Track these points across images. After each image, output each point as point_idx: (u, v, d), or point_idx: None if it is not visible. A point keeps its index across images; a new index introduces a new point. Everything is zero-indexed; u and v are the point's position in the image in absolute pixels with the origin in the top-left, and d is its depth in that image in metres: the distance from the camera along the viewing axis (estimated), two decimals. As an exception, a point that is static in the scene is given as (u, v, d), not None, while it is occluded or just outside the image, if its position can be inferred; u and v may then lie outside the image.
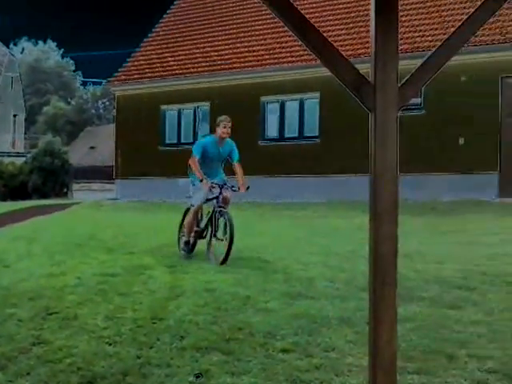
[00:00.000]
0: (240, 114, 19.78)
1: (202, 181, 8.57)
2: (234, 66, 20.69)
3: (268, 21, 20.21)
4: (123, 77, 23.07)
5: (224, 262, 8.23)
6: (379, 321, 2.86)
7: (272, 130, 20.33)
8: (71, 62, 74.10)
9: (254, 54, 20.75)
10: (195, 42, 22.82)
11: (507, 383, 4.01)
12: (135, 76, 22.77)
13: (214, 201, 8.79)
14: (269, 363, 4.47)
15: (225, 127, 8.79)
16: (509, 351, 4.59)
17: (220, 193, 8.73)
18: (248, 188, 8.70)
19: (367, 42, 3.02)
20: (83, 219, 15.57)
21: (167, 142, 21.94)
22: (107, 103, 66.30)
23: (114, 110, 24.26)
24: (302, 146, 19.42)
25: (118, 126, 22.99)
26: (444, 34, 3.16)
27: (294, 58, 19.28)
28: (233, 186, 8.77)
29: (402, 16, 17.74)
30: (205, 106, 21.22)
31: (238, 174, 8.93)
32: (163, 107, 21.91)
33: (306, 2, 21.04)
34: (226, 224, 8.51)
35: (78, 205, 20.44)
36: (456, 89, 16.55)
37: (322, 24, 19.25)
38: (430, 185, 16.51)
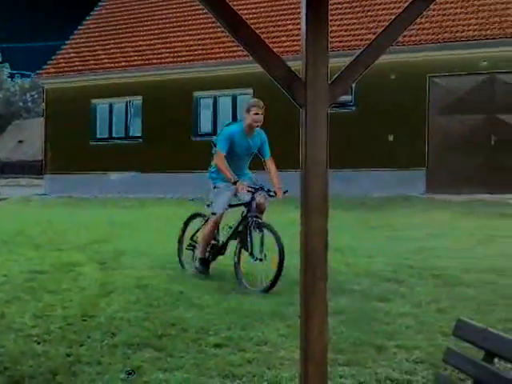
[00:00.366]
0: (173, 109, 19.70)
1: (235, 183, 6.83)
2: (167, 60, 20.51)
3: (201, 16, 20.13)
4: (52, 70, 22.52)
5: (271, 288, 6.47)
6: (310, 314, 2.89)
7: (205, 126, 20.28)
8: (-3, 53, 71.81)
9: (187, 48, 20.63)
10: (127, 35, 22.49)
11: (433, 372, 4.14)
12: (65, 69, 22.27)
13: (243, 208, 7.04)
14: (201, 358, 4.46)
15: (257, 114, 7.01)
16: (435, 342, 4.73)
17: (253, 198, 6.88)
18: (286, 192, 6.84)
19: (299, 40, 3.05)
20: (10, 215, 15.14)
21: (98, 136, 21.56)
22: (36, 96, 64.52)
23: (43, 104, 23.66)
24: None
25: (47, 119, 22.44)
26: (374, 34, 3.28)
27: (226, 54, 19.27)
28: (269, 190, 6.89)
29: (333, 15, 18.01)
30: (137, 100, 20.96)
31: (272, 173, 7.16)
32: (94, 101, 21.52)
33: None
34: (262, 239, 6.73)
35: (5, 200, 19.85)
36: (386, 87, 16.93)
37: (255, 20, 19.32)
38: (360, 180, 16.84)
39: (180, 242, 7.75)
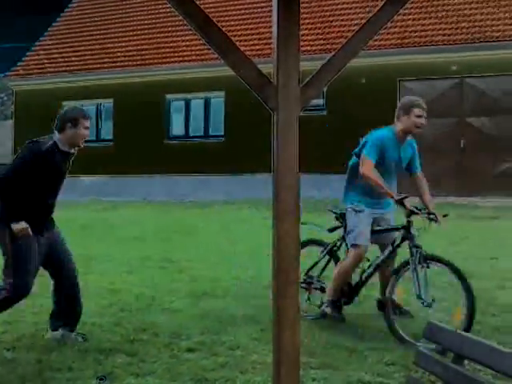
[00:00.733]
0: (144, 112, 19.58)
1: (401, 202, 5.34)
2: (138, 62, 20.40)
3: (172, 18, 20.04)
4: (22, 71, 22.24)
5: None
6: (282, 318, 2.90)
7: (177, 129, 20.21)
8: (-35, 54, 70.78)
9: (159, 51, 20.55)
10: (97, 37, 22.30)
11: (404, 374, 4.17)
12: (34, 71, 22.01)
13: (396, 236, 5.50)
14: (174, 363, 4.44)
15: (419, 116, 5.59)
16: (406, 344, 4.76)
17: (409, 224, 5.39)
18: (446, 215, 5.50)
19: (270, 43, 3.06)
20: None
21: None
22: (5, 98, 63.69)
23: (13, 106, 23.34)
24: (208, 144, 19.42)
25: (17, 122, 22.15)
26: (345, 38, 3.29)
27: (199, 57, 19.23)
28: (430, 214, 5.38)
29: (304, 19, 18.10)
30: (108, 102, 20.81)
31: (426, 192, 5.74)
32: (64, 103, 21.30)
33: (210, 0, 21.07)
34: (426, 277, 5.19)
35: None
36: (356, 91, 17.04)
37: (226, 24, 19.32)
38: (332, 184, 16.91)
39: None
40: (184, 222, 13.13)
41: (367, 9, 17.53)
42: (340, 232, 5.80)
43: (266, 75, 2.97)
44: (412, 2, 17.39)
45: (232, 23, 19.97)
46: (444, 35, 16.97)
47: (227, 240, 10.45)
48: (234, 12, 20.90)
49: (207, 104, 19.68)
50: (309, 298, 5.88)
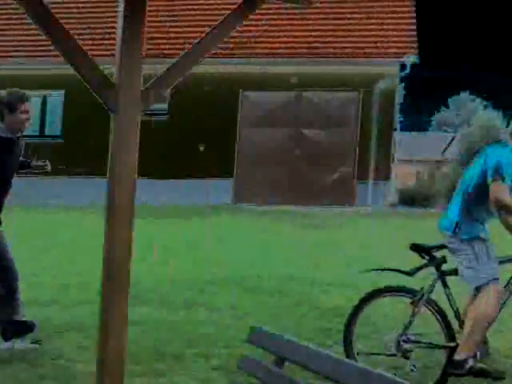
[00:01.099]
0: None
1: None
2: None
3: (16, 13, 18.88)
4: None
5: None
6: (108, 325, 2.84)
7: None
8: None
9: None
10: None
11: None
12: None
13: None
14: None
15: None
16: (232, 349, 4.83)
17: None
18: None
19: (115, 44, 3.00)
20: None
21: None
22: None
23: None
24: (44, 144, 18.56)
25: None
26: (190, 44, 3.34)
27: (39, 53, 18.34)
28: None
29: (151, 22, 17.92)
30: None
31: None
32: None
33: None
34: None
35: None
36: (200, 97, 17.18)
37: (68, 21, 18.63)
38: (169, 190, 16.86)
39: (349, 332, 4.62)
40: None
41: (219, 17, 17.74)
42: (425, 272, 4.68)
43: (107, 76, 2.91)
44: (259, 14, 17.90)
45: (75, 20, 19.30)
46: (286, 48, 17.60)
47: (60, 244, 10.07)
48: (80, 9, 20.22)
49: (44, 102, 18.79)
50: (414, 366, 4.48)
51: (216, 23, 3.23)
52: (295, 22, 18.46)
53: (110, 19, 18.65)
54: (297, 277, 7.78)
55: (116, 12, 2.98)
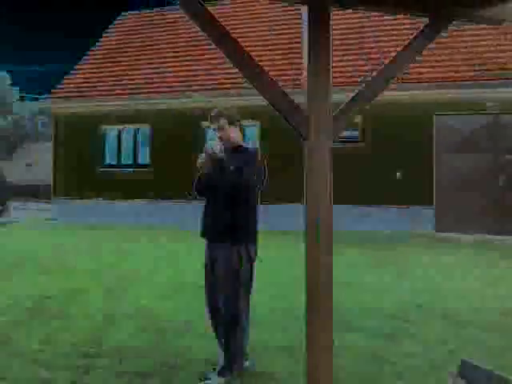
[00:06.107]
0: (179, 138, 19.86)
1: None
2: (175, 89, 20.71)
3: (208, 47, 20.33)
4: (61, 94, 22.76)
5: None
6: (315, 349, 2.93)
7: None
8: (7, 76, 72.37)
9: (195, 78, 20.84)
10: (136, 63, 22.74)
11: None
12: (74, 94, 22.49)
13: None
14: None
15: None
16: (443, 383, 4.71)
17: None
18: None
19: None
20: (19, 239, 15.20)
21: (107, 162, 21.71)
22: (45, 120, 64.95)
23: (52, 128, 23.85)
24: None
25: (56, 143, 22.61)
26: (375, 71, 3.38)
27: (234, 85, 19.46)
28: None
29: (338, 50, 18.24)
30: (146, 127, 21.14)
31: None
32: (103, 127, 21.72)
33: (244, 31, 21.43)
34: None
35: (14, 224, 19.95)
36: (393, 123, 17.06)
37: (261, 53, 19.60)
38: (368, 216, 16.89)
39: None
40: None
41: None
42: None
43: (298, 105, 3.05)
44: (448, 37, 17.42)
45: (268, 53, 20.22)
46: (480, 70, 16.94)
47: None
48: (270, 43, 21.16)
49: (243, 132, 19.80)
50: None
51: (403, 47, 3.24)
52: (484, 43, 17.73)
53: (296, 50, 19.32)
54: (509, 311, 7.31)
55: (296, 44, 3.12)
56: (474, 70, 16.81)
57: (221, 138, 4.88)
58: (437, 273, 10.26)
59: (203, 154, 4.67)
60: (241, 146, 4.92)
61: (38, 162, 49.92)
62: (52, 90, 23.17)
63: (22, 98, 73.32)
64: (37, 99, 62.47)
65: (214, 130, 4.94)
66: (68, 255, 11.59)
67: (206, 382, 4.62)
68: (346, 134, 16.76)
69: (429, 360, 5.32)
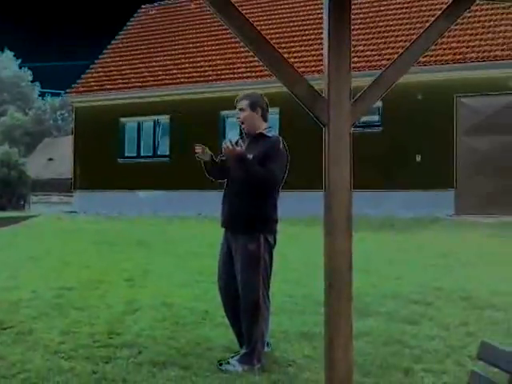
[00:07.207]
0: (199, 128, 19.86)
1: None
2: (194, 79, 20.71)
3: (228, 36, 20.29)
4: (82, 88, 22.88)
5: None
6: (335, 335, 2.89)
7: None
8: (29, 72, 73.01)
9: (213, 68, 20.81)
10: (155, 55, 22.78)
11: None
12: (94, 88, 22.61)
13: None
14: (227, 378, 4.46)
15: None
16: (463, 366, 4.63)
17: None
18: None
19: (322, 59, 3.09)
20: (40, 232, 15.32)
21: (126, 154, 21.80)
22: (66, 114, 65.48)
23: (73, 122, 24.01)
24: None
25: (77, 137, 22.77)
26: (396, 54, 3.30)
27: (252, 74, 19.39)
28: None
29: (358, 34, 18.04)
30: (165, 119, 21.17)
31: None
32: (122, 119, 21.79)
33: (262, 18, 21.33)
34: None
35: (36, 218, 20.10)
36: (413, 107, 16.88)
37: (279, 40, 19.47)
38: (387, 201, 16.75)
39: None
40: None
41: (423, 24, 17.38)
42: None
43: (317, 91, 2.99)
44: (469, 17, 17.14)
45: (285, 39, 20.10)
46: (503, 50, 16.66)
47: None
48: (287, 28, 21.03)
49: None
50: None
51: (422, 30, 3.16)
52: (506, 22, 17.44)
53: (314, 35, 19.21)
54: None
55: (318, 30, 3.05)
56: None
57: (242, 122, 4.91)
58: (457, 256, 10.15)
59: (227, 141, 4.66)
60: (262, 134, 4.87)
61: (59, 156, 50.34)
62: (73, 85, 23.33)
63: (42, 94, 74.05)
64: (58, 94, 63.05)
65: (238, 116, 4.92)
66: (88, 247, 11.62)
67: (225, 365, 4.59)
68: (365, 118, 16.61)
69: (448, 343, 5.25)
